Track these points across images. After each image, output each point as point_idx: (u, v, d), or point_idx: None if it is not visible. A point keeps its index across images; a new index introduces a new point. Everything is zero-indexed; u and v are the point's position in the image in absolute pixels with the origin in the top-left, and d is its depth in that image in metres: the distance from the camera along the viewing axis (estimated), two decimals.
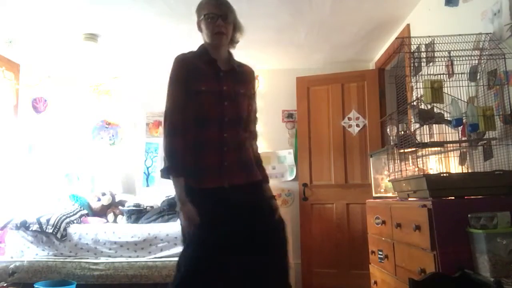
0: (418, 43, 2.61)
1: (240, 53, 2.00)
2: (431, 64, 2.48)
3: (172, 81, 1.84)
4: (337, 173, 4.15)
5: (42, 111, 4.45)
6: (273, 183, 4.38)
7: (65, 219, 3.56)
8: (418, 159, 2.38)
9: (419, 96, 2.24)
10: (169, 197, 3.89)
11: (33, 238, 3.47)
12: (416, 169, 2.35)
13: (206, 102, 1.79)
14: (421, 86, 2.13)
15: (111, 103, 4.68)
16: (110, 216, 4.03)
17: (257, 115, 2.03)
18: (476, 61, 2.20)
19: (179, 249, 2.09)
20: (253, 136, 1.99)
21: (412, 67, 2.59)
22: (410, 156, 2.50)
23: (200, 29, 1.92)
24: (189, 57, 1.87)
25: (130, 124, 4.62)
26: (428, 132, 2.46)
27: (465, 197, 1.89)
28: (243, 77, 1.93)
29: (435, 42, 2.45)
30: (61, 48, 3.94)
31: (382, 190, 3.05)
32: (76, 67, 4.46)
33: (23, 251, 3.44)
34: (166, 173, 1.75)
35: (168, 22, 3.42)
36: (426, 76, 2.26)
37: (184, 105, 1.79)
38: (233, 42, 1.95)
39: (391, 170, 2.58)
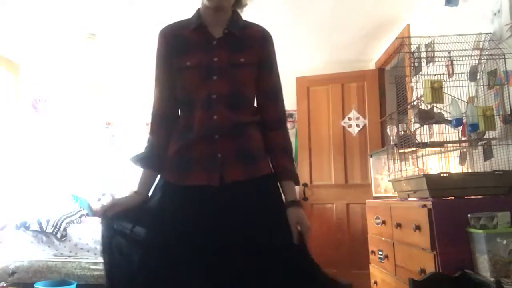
0: (418, 43, 2.62)
1: None
2: (431, 64, 2.48)
3: (155, 63, 1.54)
4: (337, 173, 4.15)
5: (42, 111, 4.45)
6: None
7: (65, 219, 3.56)
8: (418, 159, 2.37)
9: (419, 96, 2.24)
10: None
11: (33, 238, 3.47)
12: (416, 169, 2.35)
13: (190, 80, 1.44)
14: (421, 86, 2.13)
15: (111, 102, 4.68)
16: None
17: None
18: (476, 61, 2.20)
19: None
20: (272, 119, 1.49)
21: (412, 67, 2.59)
22: (410, 156, 2.50)
23: None
24: (173, 28, 1.53)
25: (130, 123, 4.62)
26: (428, 132, 2.46)
27: (465, 197, 1.89)
28: (246, 43, 1.48)
29: (435, 42, 2.45)
30: (61, 48, 3.94)
31: (382, 190, 3.04)
32: (76, 67, 4.46)
33: (23, 251, 3.44)
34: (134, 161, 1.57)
35: (170, 21, 3.42)
36: (426, 76, 2.26)
37: (167, 88, 1.51)
38: (239, 5, 1.54)
39: (391, 170, 2.58)
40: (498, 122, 2.04)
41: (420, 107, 2.28)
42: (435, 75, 2.25)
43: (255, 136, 1.46)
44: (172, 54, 1.48)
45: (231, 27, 1.47)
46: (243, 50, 1.46)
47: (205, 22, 1.47)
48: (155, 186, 1.48)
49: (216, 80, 1.41)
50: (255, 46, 1.49)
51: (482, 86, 2.17)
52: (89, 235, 3.47)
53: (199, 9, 1.52)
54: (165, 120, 1.51)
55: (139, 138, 4.58)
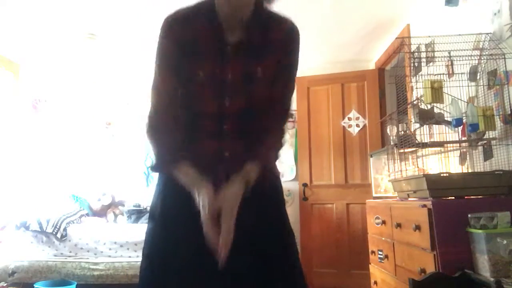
0: (418, 43, 2.62)
1: None
2: (431, 64, 2.48)
3: (157, 63, 1.23)
4: (337, 173, 4.15)
5: (42, 111, 4.45)
6: None
7: (65, 219, 3.56)
8: (418, 159, 2.38)
9: (419, 96, 2.24)
10: None
11: (33, 238, 3.48)
12: (416, 169, 2.35)
13: (200, 94, 1.21)
14: (421, 86, 2.13)
15: (111, 102, 4.69)
16: (110, 216, 4.03)
17: None
18: (476, 61, 2.20)
19: None
20: (274, 127, 1.30)
21: (412, 67, 2.60)
22: (410, 156, 2.50)
23: None
24: (182, 18, 1.22)
25: (130, 123, 4.62)
26: (428, 132, 2.46)
27: (465, 197, 1.89)
28: (267, 47, 1.24)
29: (435, 42, 2.45)
30: (61, 48, 3.94)
31: (382, 190, 3.05)
32: (76, 67, 4.46)
33: (23, 251, 3.44)
34: (159, 166, 1.23)
35: None
36: (426, 76, 2.27)
37: (173, 98, 1.23)
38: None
39: (391, 170, 2.58)
40: (498, 122, 2.04)
41: (420, 107, 2.28)
42: (435, 75, 2.25)
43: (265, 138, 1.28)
44: (180, 54, 1.20)
45: (251, 26, 1.22)
46: (263, 58, 1.23)
47: (220, 19, 1.20)
48: (158, 181, 1.31)
49: (229, 106, 1.21)
50: (277, 52, 1.25)
51: (482, 86, 2.17)
52: (89, 235, 3.47)
53: None
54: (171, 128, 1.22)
55: (139, 138, 4.58)
